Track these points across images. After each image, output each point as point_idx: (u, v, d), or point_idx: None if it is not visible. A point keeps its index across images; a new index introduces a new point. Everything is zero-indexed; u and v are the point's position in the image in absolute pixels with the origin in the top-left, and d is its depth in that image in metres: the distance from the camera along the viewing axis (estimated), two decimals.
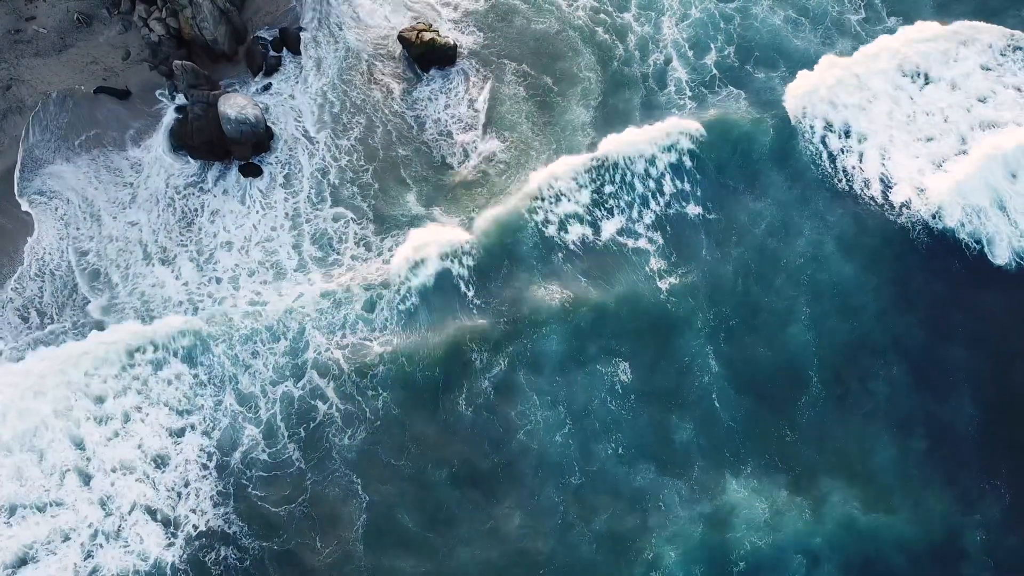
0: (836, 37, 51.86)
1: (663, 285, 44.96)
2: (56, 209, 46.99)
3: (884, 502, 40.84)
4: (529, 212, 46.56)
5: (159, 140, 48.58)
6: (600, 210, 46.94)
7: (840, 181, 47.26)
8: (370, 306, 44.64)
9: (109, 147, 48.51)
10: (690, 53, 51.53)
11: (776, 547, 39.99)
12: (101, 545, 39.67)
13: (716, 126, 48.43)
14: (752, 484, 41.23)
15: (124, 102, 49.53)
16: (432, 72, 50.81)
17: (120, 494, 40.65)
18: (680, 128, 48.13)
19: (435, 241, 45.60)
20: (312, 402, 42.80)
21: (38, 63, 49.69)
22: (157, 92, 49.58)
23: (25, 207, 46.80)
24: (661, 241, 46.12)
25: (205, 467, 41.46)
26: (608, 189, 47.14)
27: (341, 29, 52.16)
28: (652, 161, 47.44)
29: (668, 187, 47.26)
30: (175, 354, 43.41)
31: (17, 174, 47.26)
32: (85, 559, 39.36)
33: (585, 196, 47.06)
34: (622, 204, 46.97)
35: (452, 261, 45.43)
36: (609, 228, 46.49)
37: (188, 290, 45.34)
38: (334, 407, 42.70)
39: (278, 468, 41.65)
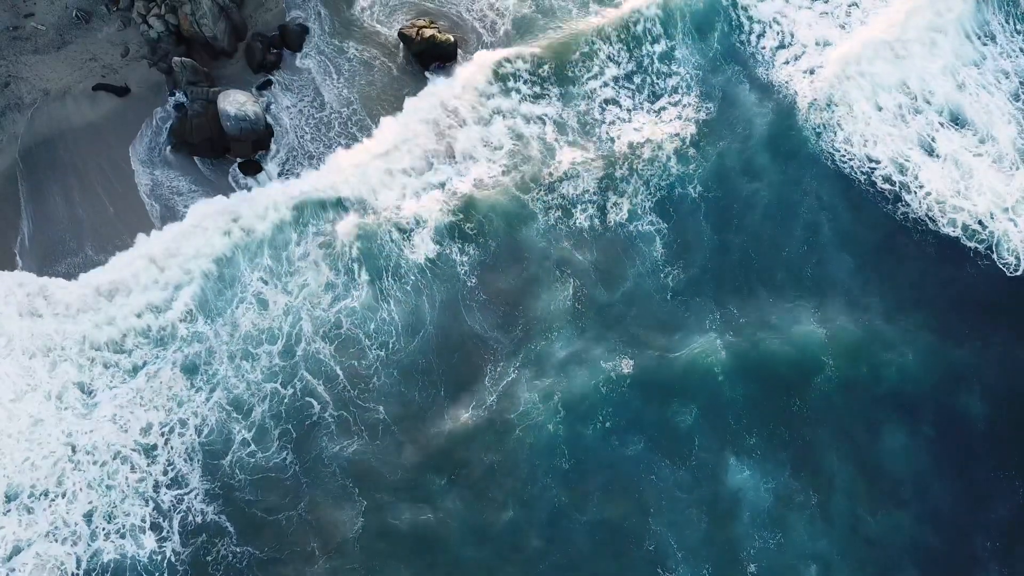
0: None
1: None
2: None
3: (892, 503, 40.83)
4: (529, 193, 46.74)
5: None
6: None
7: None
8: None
9: None
10: None
11: (782, 546, 39.88)
12: (96, 535, 39.99)
13: None
14: (757, 476, 41.24)
15: (123, 99, 49.11)
16: (433, 70, 50.16)
17: (116, 484, 40.91)
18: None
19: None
20: (307, 399, 42.60)
21: (36, 60, 49.32)
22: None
23: None
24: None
25: (195, 462, 41.43)
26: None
27: (343, 27, 51.47)
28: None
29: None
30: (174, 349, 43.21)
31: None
32: (86, 549, 39.81)
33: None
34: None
35: (453, 240, 45.45)
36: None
37: None
38: (328, 411, 42.48)
39: (271, 471, 41.48)
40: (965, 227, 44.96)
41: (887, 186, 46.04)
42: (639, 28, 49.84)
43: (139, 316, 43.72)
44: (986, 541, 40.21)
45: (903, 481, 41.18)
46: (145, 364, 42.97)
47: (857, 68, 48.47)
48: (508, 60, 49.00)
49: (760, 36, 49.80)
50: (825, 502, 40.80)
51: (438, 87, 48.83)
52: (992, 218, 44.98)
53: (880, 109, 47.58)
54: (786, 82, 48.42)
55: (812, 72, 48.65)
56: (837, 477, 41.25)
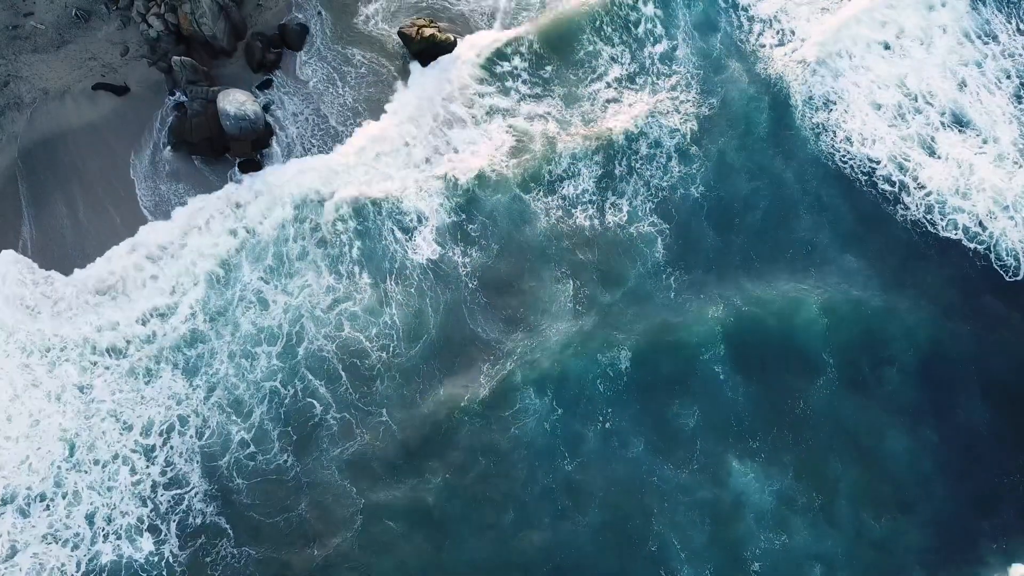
0: None
1: None
2: None
3: (895, 505, 40.89)
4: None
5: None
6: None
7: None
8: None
9: None
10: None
11: (785, 548, 39.89)
12: (96, 537, 40.03)
13: None
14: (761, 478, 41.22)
15: (123, 98, 49.03)
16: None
17: (116, 486, 40.94)
18: None
19: None
20: (308, 400, 42.59)
21: (36, 59, 49.27)
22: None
23: None
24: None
25: (194, 463, 41.40)
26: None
27: (346, 30, 51.25)
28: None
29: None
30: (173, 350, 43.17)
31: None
32: (85, 551, 39.85)
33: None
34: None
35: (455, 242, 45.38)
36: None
37: None
38: (330, 412, 42.45)
39: (270, 472, 41.47)
40: (965, 228, 44.80)
41: (887, 186, 45.90)
42: (640, 29, 49.74)
43: (143, 323, 43.71)
44: (991, 543, 40.11)
45: (905, 483, 41.08)
46: (145, 364, 42.90)
47: (851, 64, 48.33)
48: (503, 55, 48.90)
49: (760, 33, 49.66)
50: (828, 504, 40.71)
51: (430, 79, 48.71)
52: (992, 217, 44.84)
53: (879, 108, 47.44)
54: (785, 78, 48.26)
55: (808, 65, 48.51)
56: (841, 480, 41.13)
